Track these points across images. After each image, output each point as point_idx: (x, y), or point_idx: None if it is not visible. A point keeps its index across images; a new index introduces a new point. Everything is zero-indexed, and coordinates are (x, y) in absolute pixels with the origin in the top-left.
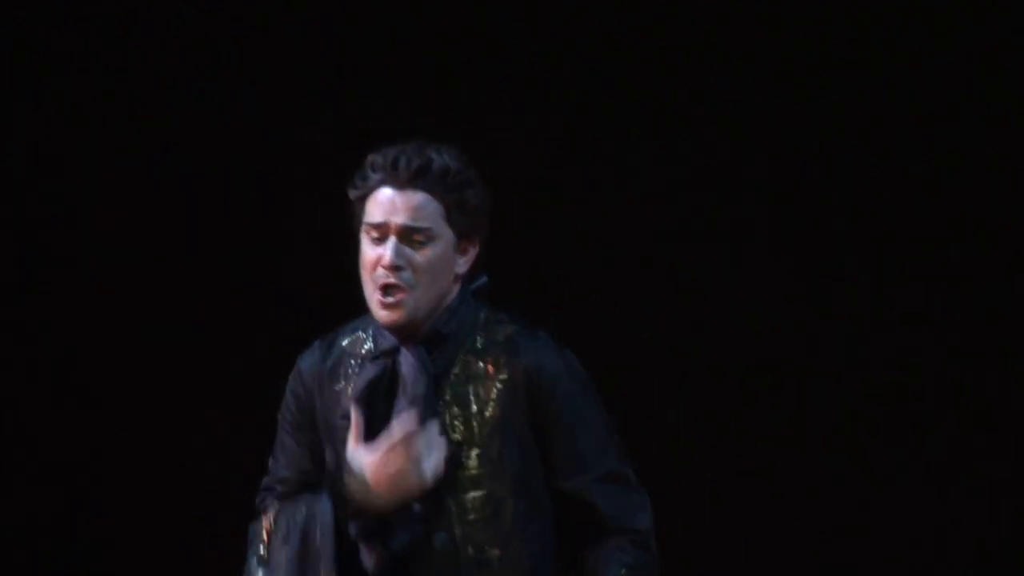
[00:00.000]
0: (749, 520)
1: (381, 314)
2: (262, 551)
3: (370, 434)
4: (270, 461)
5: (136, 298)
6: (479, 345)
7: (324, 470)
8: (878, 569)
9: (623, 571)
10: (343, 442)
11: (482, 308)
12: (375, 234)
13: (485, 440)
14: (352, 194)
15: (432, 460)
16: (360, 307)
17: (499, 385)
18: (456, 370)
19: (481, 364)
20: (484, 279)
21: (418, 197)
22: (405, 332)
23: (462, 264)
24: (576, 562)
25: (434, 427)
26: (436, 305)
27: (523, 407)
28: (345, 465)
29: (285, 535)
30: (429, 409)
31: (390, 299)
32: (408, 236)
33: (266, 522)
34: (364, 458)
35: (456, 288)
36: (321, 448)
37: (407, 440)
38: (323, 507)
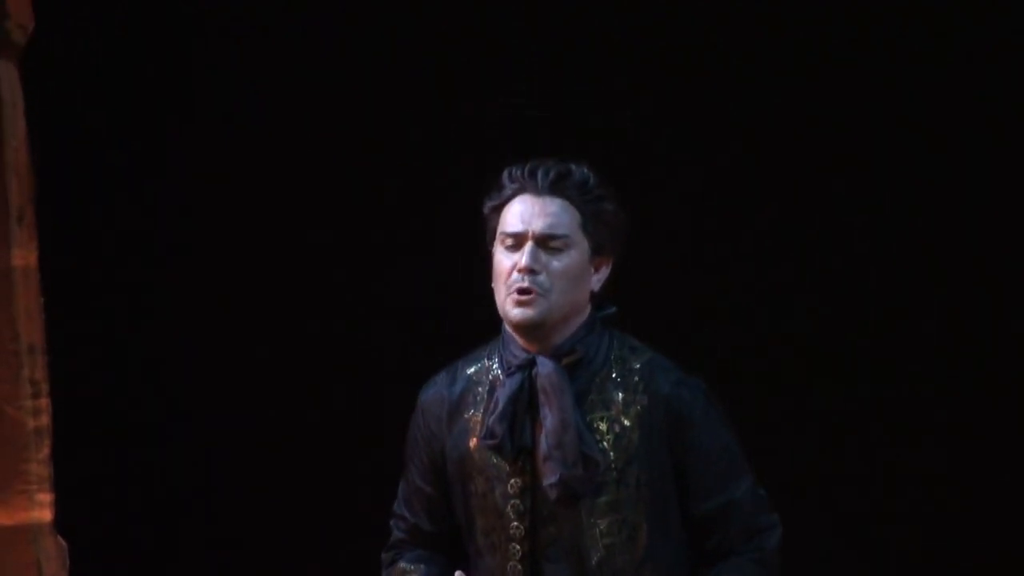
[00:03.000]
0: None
1: (515, 312)
2: None
3: (513, 451)
4: (396, 507)
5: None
6: (614, 373)
7: (452, 517)
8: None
9: None
10: (480, 471)
11: (612, 336)
12: (510, 242)
13: (623, 466)
14: (487, 206)
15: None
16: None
17: (637, 412)
18: (592, 396)
19: (618, 392)
20: (613, 308)
21: (556, 204)
22: (538, 336)
23: (595, 281)
24: None
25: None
26: (569, 317)
27: (662, 434)
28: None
29: None
30: (578, 419)
31: (525, 297)
32: (545, 243)
33: None
34: None
35: (588, 309)
36: (449, 493)
37: None
38: None
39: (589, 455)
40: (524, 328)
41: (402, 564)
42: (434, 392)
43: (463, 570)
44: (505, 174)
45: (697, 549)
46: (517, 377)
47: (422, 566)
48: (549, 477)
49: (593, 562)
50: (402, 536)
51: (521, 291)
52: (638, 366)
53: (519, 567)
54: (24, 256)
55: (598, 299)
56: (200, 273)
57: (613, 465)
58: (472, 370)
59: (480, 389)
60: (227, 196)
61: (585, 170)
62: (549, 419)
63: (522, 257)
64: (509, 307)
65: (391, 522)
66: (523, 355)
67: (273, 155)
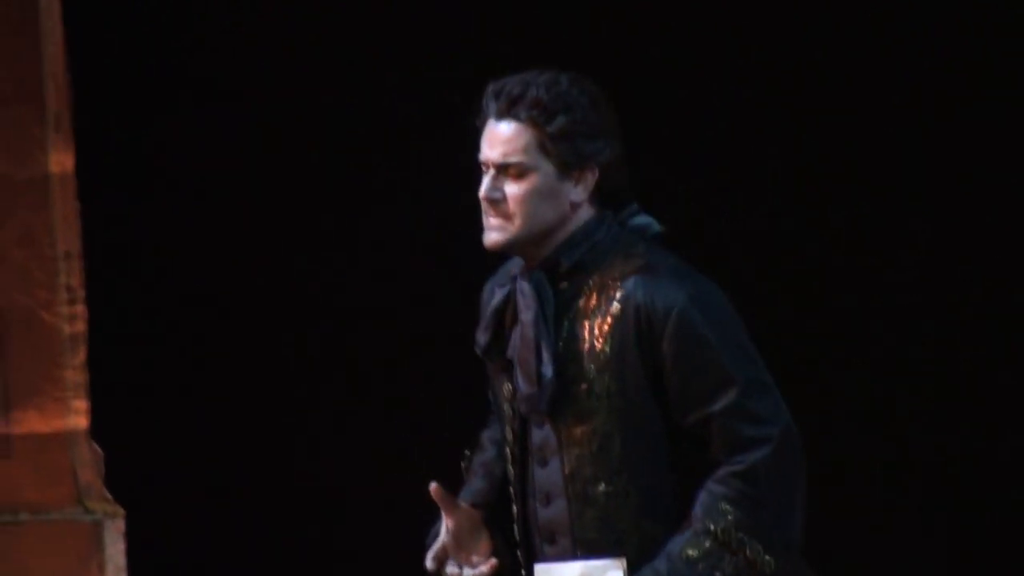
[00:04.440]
0: None
1: (484, 237)
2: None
3: (495, 355)
4: None
5: None
6: (603, 280)
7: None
8: None
9: (719, 503)
10: (492, 370)
11: (620, 240)
12: (484, 167)
13: (594, 375)
14: (478, 124)
15: None
16: None
17: (611, 321)
18: (580, 302)
19: (600, 299)
20: (633, 206)
21: (511, 129)
22: (517, 255)
23: (578, 192)
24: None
25: None
26: (546, 234)
27: (632, 344)
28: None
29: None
30: (539, 336)
31: (490, 220)
32: (504, 170)
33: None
34: None
35: (581, 217)
36: None
37: None
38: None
39: (543, 374)
40: (493, 251)
41: (484, 441)
42: (488, 285)
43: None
44: (484, 94)
45: (690, 462)
46: (505, 289)
47: (475, 479)
48: (519, 391)
49: (565, 471)
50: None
51: (490, 217)
52: (625, 272)
53: (511, 470)
54: (61, 162)
55: (616, 200)
56: (242, 179)
57: (585, 374)
58: (512, 267)
59: (504, 288)
60: (269, 96)
61: (541, 88)
62: (517, 335)
63: (482, 187)
64: (484, 231)
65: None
66: (518, 268)
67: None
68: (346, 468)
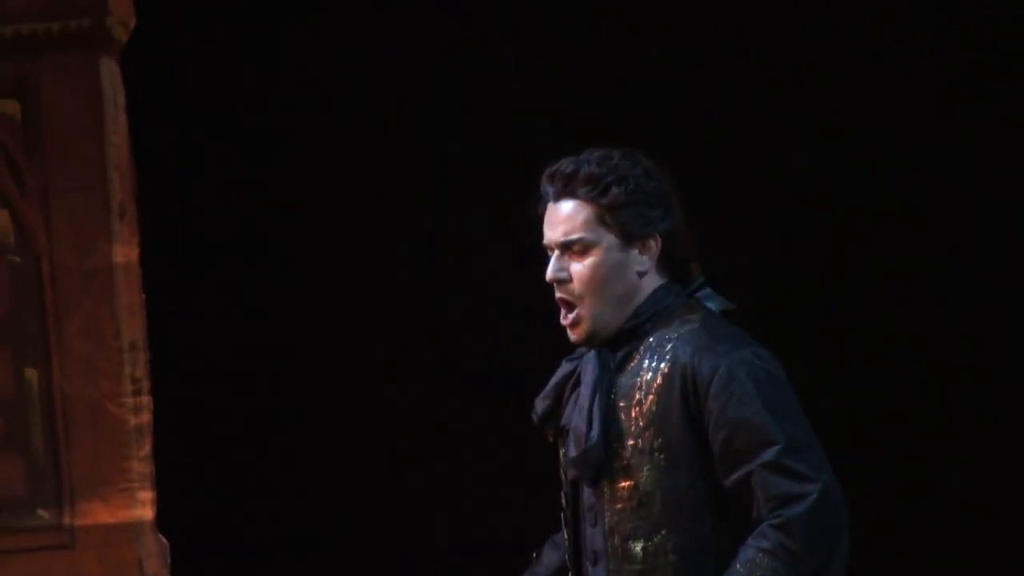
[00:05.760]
0: None
1: (568, 334)
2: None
3: (549, 423)
4: None
5: None
6: (658, 341)
7: None
8: None
9: (757, 554)
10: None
11: (680, 306)
12: (548, 252)
13: (639, 432)
14: (539, 212)
15: None
16: None
17: (659, 381)
18: (633, 362)
19: (652, 356)
20: (701, 280)
21: (570, 207)
22: (597, 343)
23: (643, 261)
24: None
25: None
26: (621, 307)
27: (677, 405)
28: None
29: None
30: (593, 405)
31: (568, 319)
32: (567, 249)
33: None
34: None
35: (648, 286)
36: None
37: None
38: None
39: (590, 438)
40: (582, 345)
41: (545, 552)
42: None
43: None
44: (541, 181)
45: (739, 525)
46: (573, 364)
47: (543, 558)
48: (568, 456)
49: (606, 527)
50: None
51: (561, 303)
52: (676, 335)
53: (565, 531)
54: (126, 253)
55: (684, 273)
56: (302, 270)
57: (631, 431)
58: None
59: (573, 363)
60: (329, 192)
61: (593, 164)
62: (573, 404)
63: (548, 269)
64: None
65: None
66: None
67: (376, 154)
68: (424, 556)
